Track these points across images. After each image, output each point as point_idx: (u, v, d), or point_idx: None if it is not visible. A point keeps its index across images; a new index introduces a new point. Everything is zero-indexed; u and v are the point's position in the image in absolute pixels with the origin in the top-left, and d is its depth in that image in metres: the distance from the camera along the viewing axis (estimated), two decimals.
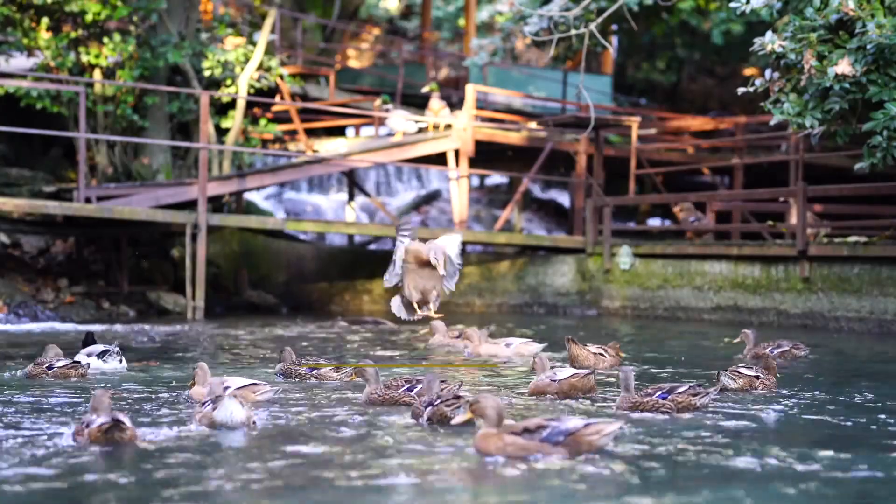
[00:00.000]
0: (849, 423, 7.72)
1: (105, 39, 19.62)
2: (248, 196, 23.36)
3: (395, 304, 10.66)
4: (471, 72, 26.84)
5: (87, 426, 6.79)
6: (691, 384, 8.07)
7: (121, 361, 10.42)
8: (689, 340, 14.62)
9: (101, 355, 10.39)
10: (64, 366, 9.69)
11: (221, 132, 21.98)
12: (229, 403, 7.33)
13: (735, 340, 12.12)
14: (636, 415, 7.79)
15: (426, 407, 7.46)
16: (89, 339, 10.95)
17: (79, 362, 9.85)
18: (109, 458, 6.42)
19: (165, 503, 5.47)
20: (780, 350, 11.61)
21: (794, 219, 17.08)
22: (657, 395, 7.86)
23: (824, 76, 12.11)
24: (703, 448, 6.72)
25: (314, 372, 9.63)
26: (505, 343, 11.88)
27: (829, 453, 6.57)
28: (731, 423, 7.57)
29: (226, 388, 8.28)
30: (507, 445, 6.24)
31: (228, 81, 21.26)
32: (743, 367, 9.31)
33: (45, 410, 8.05)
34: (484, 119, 22.30)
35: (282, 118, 23.70)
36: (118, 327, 15.61)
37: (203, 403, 7.58)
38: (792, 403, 8.51)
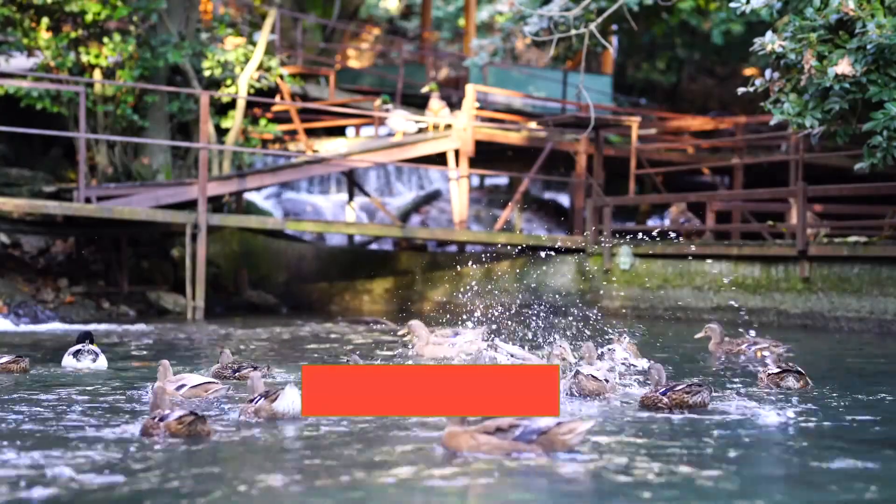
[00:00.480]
0: (867, 421, 7.79)
1: (105, 39, 19.61)
2: (248, 196, 23.35)
3: None
4: (471, 72, 26.83)
5: (161, 420, 6.64)
6: (689, 382, 8.25)
7: (94, 360, 10.45)
8: (690, 340, 14.57)
9: (76, 354, 10.46)
10: (5, 361, 9.91)
11: (221, 132, 21.98)
12: (290, 393, 7.34)
13: (698, 335, 12.08)
14: (646, 414, 7.94)
15: None
16: (80, 338, 10.95)
17: (20, 357, 10.03)
18: (178, 454, 6.29)
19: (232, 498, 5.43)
20: (757, 347, 11.54)
21: (794, 219, 17.08)
22: (659, 391, 8.13)
23: (824, 76, 12.11)
24: (735, 448, 6.74)
25: (236, 374, 9.55)
26: (450, 343, 11.23)
27: (851, 452, 6.57)
28: (745, 422, 7.64)
29: (181, 385, 8.35)
30: (481, 444, 6.24)
31: (228, 81, 21.25)
32: (798, 367, 9.38)
33: (100, 409, 7.97)
34: (484, 119, 22.29)
35: (282, 118, 23.69)
36: (116, 327, 15.60)
37: (251, 400, 7.57)
38: (805, 403, 8.54)
